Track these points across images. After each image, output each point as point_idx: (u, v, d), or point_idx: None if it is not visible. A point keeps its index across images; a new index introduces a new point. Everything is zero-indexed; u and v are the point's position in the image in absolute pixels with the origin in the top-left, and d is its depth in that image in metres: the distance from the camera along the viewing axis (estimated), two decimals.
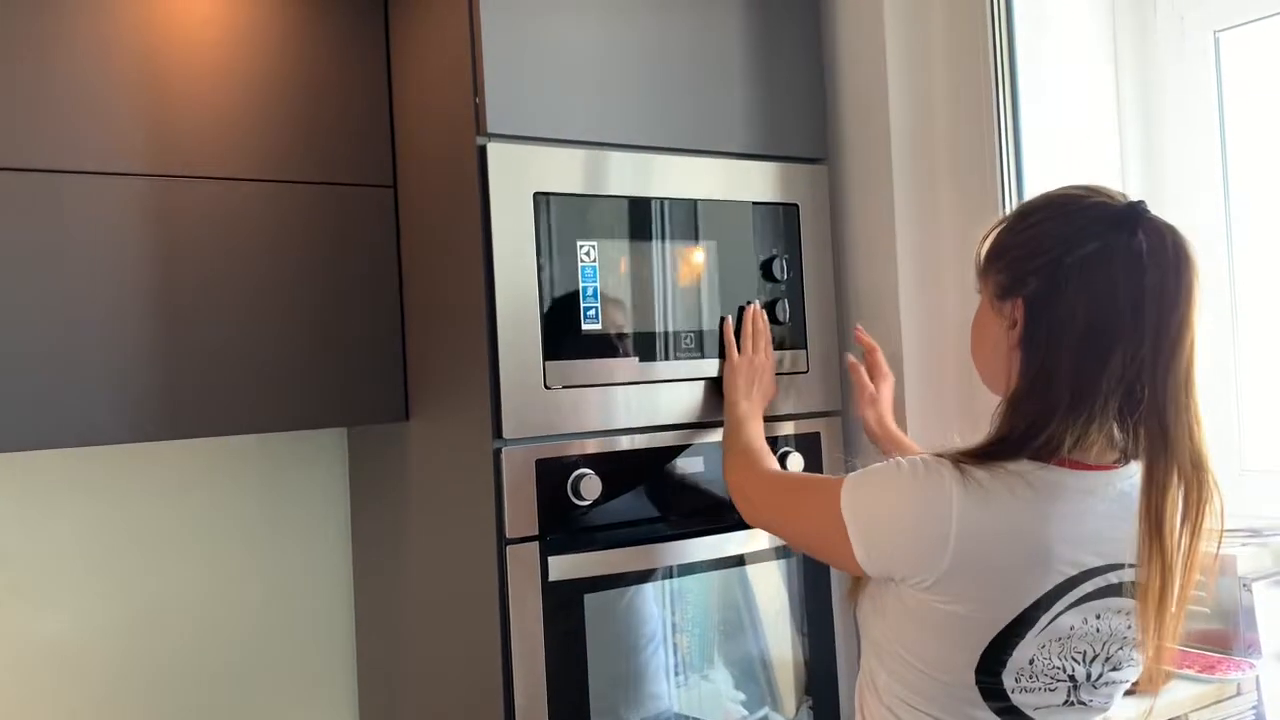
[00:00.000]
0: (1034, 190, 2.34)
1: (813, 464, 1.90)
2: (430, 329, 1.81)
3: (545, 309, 1.67)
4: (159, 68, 1.69)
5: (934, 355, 1.92)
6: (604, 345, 1.73)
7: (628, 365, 1.75)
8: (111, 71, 1.65)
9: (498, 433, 1.63)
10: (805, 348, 1.91)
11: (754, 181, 1.89)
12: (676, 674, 1.83)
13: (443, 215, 1.76)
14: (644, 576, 1.76)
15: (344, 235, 1.82)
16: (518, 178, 1.66)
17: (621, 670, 1.75)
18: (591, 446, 1.70)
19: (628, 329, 1.76)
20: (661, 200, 1.80)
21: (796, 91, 1.96)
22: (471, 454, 1.67)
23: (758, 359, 1.77)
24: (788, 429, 1.89)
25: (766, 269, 1.88)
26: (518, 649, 1.62)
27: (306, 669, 2.02)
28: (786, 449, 1.87)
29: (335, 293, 1.81)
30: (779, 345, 1.87)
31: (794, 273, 1.91)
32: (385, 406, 1.85)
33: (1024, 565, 1.15)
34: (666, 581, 1.79)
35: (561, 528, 1.66)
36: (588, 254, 1.73)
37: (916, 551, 1.16)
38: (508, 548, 1.62)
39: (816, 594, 1.91)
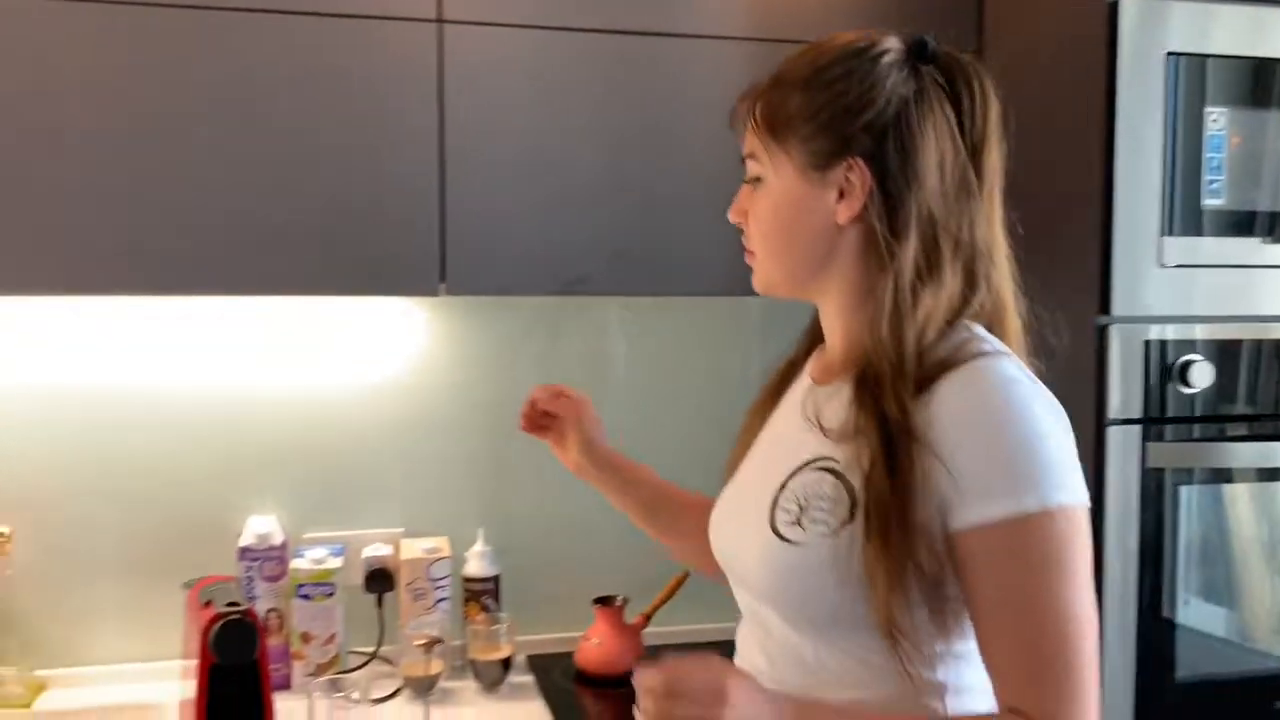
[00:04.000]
0: None
1: None
2: (1027, 198, 1.75)
3: (1166, 181, 1.56)
4: None
5: None
6: (1227, 223, 1.59)
7: (1252, 247, 1.60)
8: None
9: (1104, 309, 1.56)
10: None
11: None
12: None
13: (1051, 79, 1.67)
14: (1247, 476, 1.64)
15: None
16: (1150, 37, 1.55)
17: (1208, 573, 1.65)
18: (1204, 332, 1.59)
19: (1256, 207, 1.60)
20: None
21: None
22: (1074, 330, 1.62)
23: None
24: None
25: None
26: (1111, 531, 1.57)
27: None
28: None
29: None
30: None
31: None
32: None
33: None
34: (1271, 484, 1.66)
35: (1164, 414, 1.58)
36: (1215, 121, 1.58)
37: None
38: (1108, 429, 1.57)
39: None
